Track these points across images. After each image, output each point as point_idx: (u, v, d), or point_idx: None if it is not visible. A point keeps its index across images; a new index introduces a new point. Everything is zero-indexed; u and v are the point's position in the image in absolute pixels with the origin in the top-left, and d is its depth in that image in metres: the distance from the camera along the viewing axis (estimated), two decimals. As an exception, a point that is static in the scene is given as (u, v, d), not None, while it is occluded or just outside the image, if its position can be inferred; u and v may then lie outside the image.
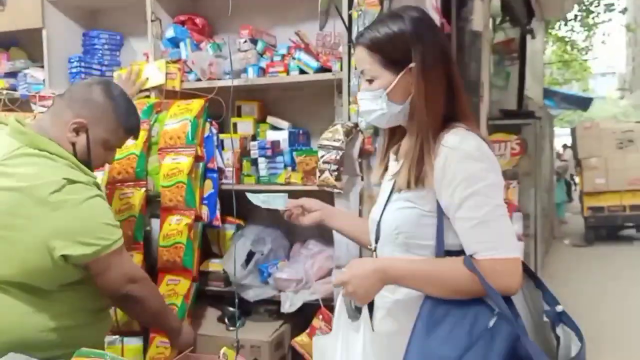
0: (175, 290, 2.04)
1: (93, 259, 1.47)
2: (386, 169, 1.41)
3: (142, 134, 2.03)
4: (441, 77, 1.25)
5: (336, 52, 2.04)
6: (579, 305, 5.01)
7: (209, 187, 2.12)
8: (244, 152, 2.23)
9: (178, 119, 2.07)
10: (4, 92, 2.37)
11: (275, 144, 2.18)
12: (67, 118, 1.56)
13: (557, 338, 1.25)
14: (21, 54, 2.65)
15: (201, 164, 2.10)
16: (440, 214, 1.23)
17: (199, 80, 2.22)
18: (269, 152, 2.17)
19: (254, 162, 2.20)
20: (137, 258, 2.03)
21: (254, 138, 2.28)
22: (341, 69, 2.00)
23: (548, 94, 9.41)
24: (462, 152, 1.19)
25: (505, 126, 3.61)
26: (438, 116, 1.24)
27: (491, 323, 1.16)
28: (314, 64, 2.07)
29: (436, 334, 1.20)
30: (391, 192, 1.33)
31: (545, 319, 1.27)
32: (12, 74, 2.54)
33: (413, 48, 1.23)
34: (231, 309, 2.18)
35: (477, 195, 1.17)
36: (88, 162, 1.60)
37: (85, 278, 1.53)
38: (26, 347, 1.45)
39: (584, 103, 10.50)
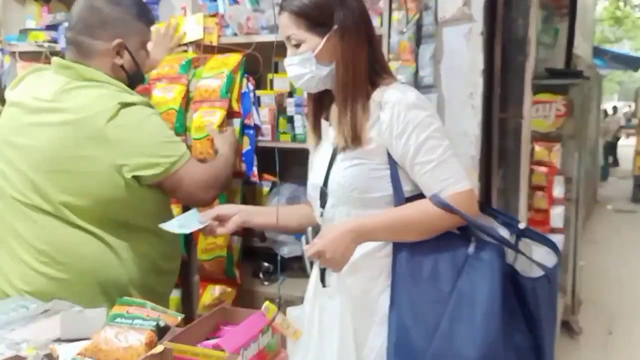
0: (216, 242, 2.08)
1: (163, 177, 1.53)
2: (320, 135, 1.48)
3: (180, 89, 2.03)
4: (363, 38, 1.33)
5: (376, 8, 1.97)
6: (622, 275, 4.92)
7: (246, 144, 2.12)
8: (281, 109, 2.21)
9: (214, 73, 2.05)
10: (45, 44, 2.40)
11: (312, 101, 2.15)
12: (101, 47, 1.58)
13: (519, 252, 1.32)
14: (61, 7, 2.66)
15: (239, 120, 2.09)
16: (393, 164, 1.32)
17: (236, 35, 2.19)
18: (305, 110, 2.14)
19: (290, 120, 2.18)
20: (176, 210, 2.06)
21: (290, 95, 2.25)
22: (381, 25, 1.93)
23: (598, 52, 9.01)
24: (408, 103, 1.29)
25: (551, 86, 3.47)
26: (362, 75, 1.33)
27: (471, 249, 1.28)
28: (354, 19, 2.00)
29: (421, 277, 1.29)
30: (333, 155, 1.38)
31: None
32: (52, 27, 2.55)
33: (336, 11, 1.31)
34: (266, 264, 2.22)
35: (431, 139, 1.28)
36: (140, 72, 1.67)
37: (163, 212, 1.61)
38: (108, 288, 1.56)
39: (635, 63, 10.04)
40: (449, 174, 1.29)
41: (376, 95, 1.34)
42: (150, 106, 1.61)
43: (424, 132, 1.28)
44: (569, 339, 3.61)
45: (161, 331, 1.12)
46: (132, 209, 1.56)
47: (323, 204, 1.40)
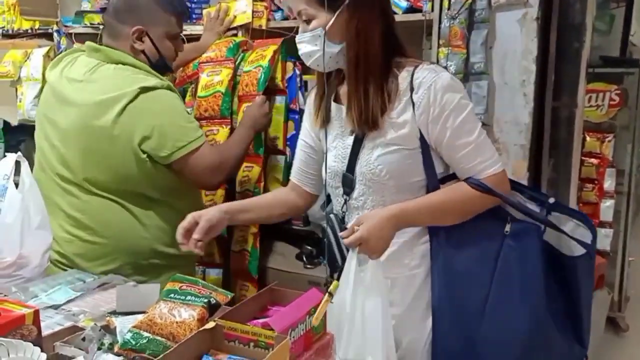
0: (244, 236, 2.11)
1: (172, 160, 1.61)
2: (327, 118, 1.42)
3: (227, 72, 2.06)
4: (376, 15, 1.29)
5: (427, -8, 1.94)
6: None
7: (291, 129, 2.13)
8: (327, 94, 2.21)
9: (253, 66, 2.07)
10: (101, 26, 2.47)
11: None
12: (125, 31, 1.67)
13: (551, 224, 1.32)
14: (115, -10, 2.72)
15: (284, 103, 2.10)
16: (426, 147, 1.31)
17: (285, 19, 2.19)
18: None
19: (336, 105, 2.18)
20: (220, 193, 2.10)
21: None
22: (432, 9, 1.90)
23: (655, 40, 8.59)
24: (443, 85, 1.27)
25: (605, 75, 3.34)
26: (375, 54, 1.28)
27: (507, 229, 1.29)
28: (404, 3, 1.97)
29: (460, 262, 1.30)
30: (357, 141, 1.34)
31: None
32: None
33: None
34: (309, 247, 2.24)
35: (467, 122, 1.28)
36: (163, 61, 1.73)
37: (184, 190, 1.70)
38: (132, 253, 1.68)
39: (695, 51, 9.52)
40: (486, 156, 1.29)
41: (404, 76, 1.30)
42: (172, 90, 1.67)
43: (460, 115, 1.28)
44: (615, 336, 3.51)
45: (212, 308, 1.15)
46: (150, 184, 1.66)
47: (347, 192, 1.38)
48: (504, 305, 1.28)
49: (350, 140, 1.37)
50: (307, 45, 1.32)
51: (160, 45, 1.71)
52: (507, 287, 1.28)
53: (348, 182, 1.37)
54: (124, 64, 1.66)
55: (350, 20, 1.27)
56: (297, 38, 1.35)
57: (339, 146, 1.40)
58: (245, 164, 2.03)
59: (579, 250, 1.30)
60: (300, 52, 1.35)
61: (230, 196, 2.10)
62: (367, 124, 1.29)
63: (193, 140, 1.63)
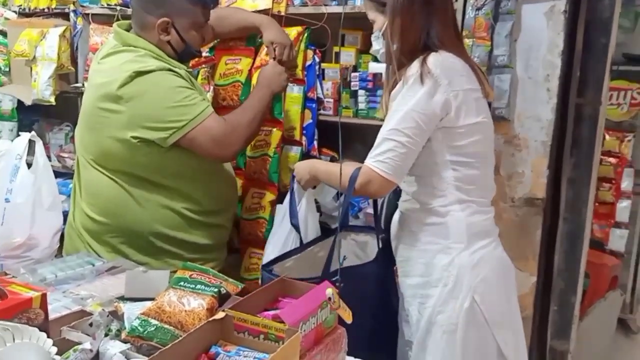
0: (260, 203, 2.09)
1: (175, 140, 1.60)
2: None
3: (247, 62, 2.02)
4: (416, 14, 1.37)
5: (452, -19, 1.89)
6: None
7: (307, 118, 2.10)
8: (344, 83, 2.17)
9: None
10: (118, 7, 2.44)
11: (377, 77, 2.10)
12: (152, 22, 1.66)
13: None
14: (133, -29, 2.69)
15: (302, 93, 2.06)
16: None
17: (304, 5, 2.15)
18: (369, 85, 2.10)
19: (354, 95, 2.14)
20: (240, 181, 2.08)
21: (355, 69, 2.21)
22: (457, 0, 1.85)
23: (679, 39, 8.42)
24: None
25: (627, 73, 3.26)
26: (410, 50, 1.38)
27: None
28: (427, -8, 1.93)
29: None
30: None
31: None
32: (125, -10, 2.59)
33: None
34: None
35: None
36: (189, 50, 1.72)
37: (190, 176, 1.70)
38: (129, 233, 1.68)
39: None
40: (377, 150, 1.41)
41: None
42: (172, 72, 1.64)
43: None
44: (625, 337, 3.47)
45: (222, 298, 1.13)
46: (151, 169, 1.66)
47: None
48: None
49: None
50: (375, 44, 1.53)
51: (186, 36, 1.70)
52: None
53: None
54: (135, 47, 1.66)
55: (389, 21, 1.40)
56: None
57: None
58: (262, 128, 1.97)
59: None
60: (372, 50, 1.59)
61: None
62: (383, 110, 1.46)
63: (193, 117, 1.60)
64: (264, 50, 2.01)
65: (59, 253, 1.88)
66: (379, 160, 1.35)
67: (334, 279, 1.37)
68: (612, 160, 3.20)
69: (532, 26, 1.78)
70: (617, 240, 3.21)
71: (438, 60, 1.33)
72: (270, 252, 1.67)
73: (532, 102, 1.81)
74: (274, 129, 2.03)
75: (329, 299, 1.09)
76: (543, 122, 1.81)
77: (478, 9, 1.76)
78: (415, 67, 1.33)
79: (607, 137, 3.19)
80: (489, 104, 1.53)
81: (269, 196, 2.05)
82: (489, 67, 1.80)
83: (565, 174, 1.88)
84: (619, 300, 3.29)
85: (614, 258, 3.06)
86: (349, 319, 1.17)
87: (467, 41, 1.79)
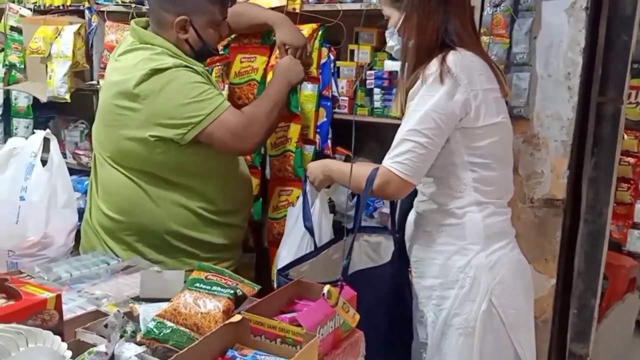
0: (288, 200, 2.06)
1: (193, 136, 1.59)
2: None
3: (263, 60, 2.00)
4: (432, 11, 1.34)
5: (471, -23, 1.86)
6: None
7: (322, 116, 2.08)
8: (360, 82, 2.14)
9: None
10: (132, 5, 2.44)
11: (392, 75, 2.08)
12: (170, 20, 1.65)
13: None
14: (148, -32, 2.69)
15: (316, 92, 2.04)
16: None
17: (319, 2, 2.13)
18: (385, 83, 2.07)
19: (369, 93, 2.12)
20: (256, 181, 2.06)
21: (370, 67, 2.18)
22: (474, -4, 1.82)
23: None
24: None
25: (647, 71, 3.20)
26: (428, 47, 1.35)
27: None
28: (445, -11, 1.90)
29: None
30: None
31: None
32: (140, -12, 2.58)
33: None
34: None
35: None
36: (206, 48, 1.71)
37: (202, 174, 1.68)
38: (144, 231, 1.68)
39: None
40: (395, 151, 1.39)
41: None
42: (188, 68, 1.63)
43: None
44: (643, 340, 3.42)
45: (238, 300, 1.11)
46: (167, 167, 1.65)
47: None
48: None
49: None
50: (389, 41, 1.48)
51: (204, 34, 1.69)
52: None
53: None
54: (151, 44, 1.65)
55: (406, 18, 1.38)
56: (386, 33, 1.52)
57: None
58: (279, 124, 1.94)
59: None
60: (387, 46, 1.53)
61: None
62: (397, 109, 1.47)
63: (210, 112, 1.59)
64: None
65: (75, 250, 1.87)
66: (397, 161, 1.32)
67: (336, 279, 1.34)
68: (631, 160, 3.14)
69: (553, 23, 1.74)
70: (636, 241, 3.16)
71: (458, 58, 1.31)
72: (285, 255, 1.65)
73: (552, 101, 1.78)
74: (292, 123, 2.00)
75: (323, 294, 1.07)
76: (564, 121, 1.77)
77: (496, 6, 1.73)
78: (434, 65, 1.31)
79: (625, 136, 3.13)
80: (507, 103, 1.50)
81: (297, 192, 2.02)
82: (507, 65, 1.77)
83: (586, 174, 1.84)
84: (637, 302, 3.23)
85: (632, 259, 3.01)
86: (353, 323, 1.14)
87: (485, 38, 1.75)
